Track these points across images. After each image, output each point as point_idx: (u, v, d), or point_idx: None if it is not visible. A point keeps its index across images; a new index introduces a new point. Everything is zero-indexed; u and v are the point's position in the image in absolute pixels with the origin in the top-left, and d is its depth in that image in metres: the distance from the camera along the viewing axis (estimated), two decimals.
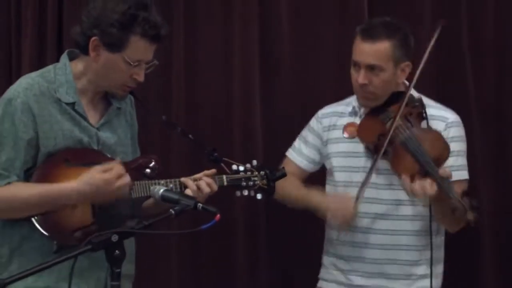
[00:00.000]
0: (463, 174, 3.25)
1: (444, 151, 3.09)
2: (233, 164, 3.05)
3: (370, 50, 3.15)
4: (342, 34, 3.92)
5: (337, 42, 3.96)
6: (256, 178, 3.04)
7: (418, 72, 3.18)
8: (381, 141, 3.15)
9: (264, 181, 3.04)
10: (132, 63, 2.83)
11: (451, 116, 3.27)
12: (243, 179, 3.03)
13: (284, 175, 3.11)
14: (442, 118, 3.24)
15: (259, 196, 3.05)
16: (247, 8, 4.04)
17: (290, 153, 3.48)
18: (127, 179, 2.80)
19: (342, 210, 3.19)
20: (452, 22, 3.76)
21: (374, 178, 3.19)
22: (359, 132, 3.27)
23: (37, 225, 2.80)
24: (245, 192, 3.05)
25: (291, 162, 3.45)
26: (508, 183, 4.00)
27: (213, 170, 3.01)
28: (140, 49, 2.83)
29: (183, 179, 2.95)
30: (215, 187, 2.96)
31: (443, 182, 2.97)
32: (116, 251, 2.41)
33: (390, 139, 3.11)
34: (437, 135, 3.14)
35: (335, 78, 3.90)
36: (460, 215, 2.93)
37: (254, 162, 3.08)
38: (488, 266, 3.95)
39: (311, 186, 3.40)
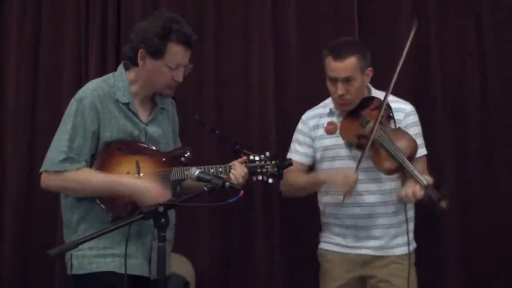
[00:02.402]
0: (423, 151, 3.62)
1: (414, 148, 3.47)
2: (250, 154, 3.38)
3: (343, 66, 3.53)
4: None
5: None
6: (268, 166, 3.37)
7: (395, 76, 3.50)
8: (361, 141, 3.53)
9: (275, 169, 3.38)
10: (172, 67, 3.18)
11: (407, 107, 3.66)
12: (258, 167, 3.36)
13: (290, 164, 3.43)
14: (401, 110, 3.63)
15: (270, 180, 3.39)
16: (262, 21, 4.43)
17: (290, 155, 3.77)
18: (165, 197, 3.04)
19: (346, 178, 3.50)
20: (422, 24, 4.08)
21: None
22: (341, 131, 3.61)
23: (97, 201, 3.16)
24: (259, 177, 3.38)
25: (292, 161, 3.64)
26: (469, 168, 4.26)
27: (244, 158, 3.35)
28: (176, 54, 3.18)
29: (235, 164, 3.29)
30: (247, 172, 3.31)
31: (417, 178, 3.34)
32: (162, 219, 2.74)
33: (371, 141, 3.46)
34: (407, 136, 3.51)
35: None
36: (432, 203, 3.30)
37: (267, 153, 3.41)
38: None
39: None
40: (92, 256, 3.16)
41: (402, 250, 3.64)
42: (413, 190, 3.37)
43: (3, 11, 4.74)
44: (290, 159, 3.49)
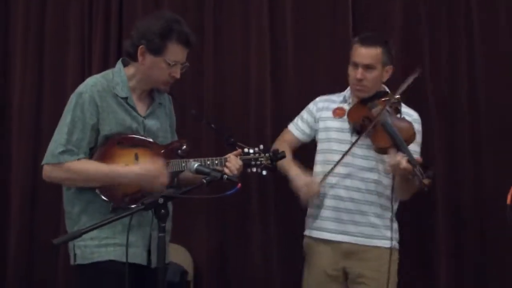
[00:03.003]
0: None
1: (412, 136, 3.61)
2: (244, 147, 3.44)
3: (367, 53, 3.69)
4: (332, 44, 4.40)
5: (329, 49, 4.41)
6: (262, 159, 3.44)
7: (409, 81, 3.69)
8: (365, 122, 3.64)
9: (269, 161, 3.45)
10: (170, 64, 3.26)
11: (414, 114, 3.79)
12: (252, 159, 3.43)
13: (283, 156, 3.49)
14: (409, 115, 3.75)
15: (264, 172, 3.46)
16: (260, 22, 4.51)
17: (290, 126, 3.94)
18: (165, 178, 3.21)
19: (308, 189, 3.66)
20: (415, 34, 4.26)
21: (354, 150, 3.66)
22: (349, 114, 3.74)
23: (98, 192, 3.23)
24: (254, 169, 3.44)
25: (289, 131, 3.92)
26: (457, 164, 4.36)
27: (239, 151, 3.41)
28: (176, 52, 3.26)
29: (230, 157, 3.35)
30: (242, 164, 3.39)
31: (411, 156, 3.46)
32: (162, 210, 2.80)
33: (373, 122, 3.59)
34: (409, 124, 3.65)
35: (327, 76, 4.34)
36: (417, 181, 3.39)
37: (261, 146, 3.47)
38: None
39: (297, 162, 3.79)
40: (93, 246, 3.23)
41: (383, 243, 3.70)
42: (399, 159, 3.46)
43: (9, 10, 4.80)
44: (284, 151, 3.54)
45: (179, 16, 3.33)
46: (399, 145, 3.53)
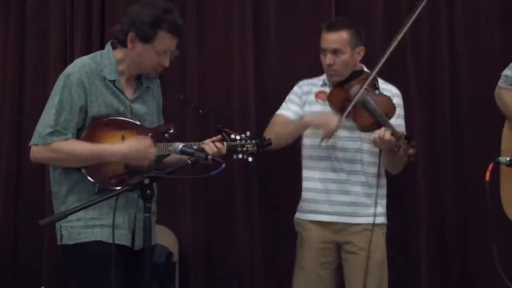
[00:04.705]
0: (403, 131, 3.72)
1: (392, 109, 3.65)
2: (231, 133, 3.45)
3: (333, 38, 3.72)
4: (314, 28, 4.19)
5: (311, 33, 4.32)
6: (249, 145, 3.46)
7: (388, 52, 3.67)
8: (345, 104, 3.66)
9: (255, 148, 3.46)
10: (159, 52, 3.26)
11: (394, 89, 3.84)
12: (239, 146, 3.44)
13: (270, 143, 3.51)
14: (388, 90, 3.80)
15: (250, 159, 3.48)
16: (243, 9, 4.53)
17: (279, 111, 3.89)
18: (154, 150, 3.23)
19: (327, 121, 3.66)
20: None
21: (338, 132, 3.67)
22: (329, 99, 3.75)
23: (84, 172, 3.21)
24: (240, 156, 3.46)
25: (281, 115, 3.86)
26: (437, 141, 4.42)
27: (219, 137, 3.41)
28: (165, 41, 3.25)
29: (205, 142, 3.34)
30: (224, 150, 3.38)
31: (393, 129, 3.52)
32: (148, 190, 2.83)
33: (354, 102, 3.62)
34: (387, 98, 3.69)
35: (309, 65, 4.26)
36: (403, 152, 3.47)
37: (248, 133, 3.50)
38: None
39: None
40: (80, 227, 3.23)
41: (371, 220, 3.76)
42: (383, 132, 3.52)
43: None
44: (270, 138, 3.57)
45: (171, 4, 3.31)
46: (381, 120, 3.58)
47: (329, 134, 3.67)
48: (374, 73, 3.69)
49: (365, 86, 3.66)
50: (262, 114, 4.33)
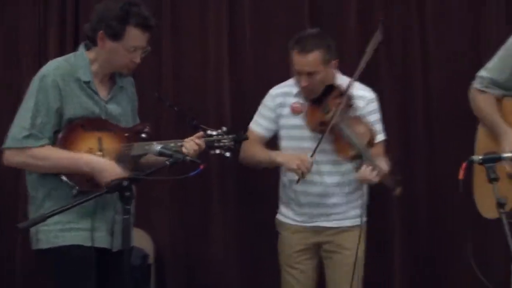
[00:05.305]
0: (381, 136, 3.77)
1: (372, 136, 3.61)
2: (207, 129, 3.41)
3: (306, 61, 3.63)
4: (288, 27, 4.37)
5: (284, 33, 4.31)
6: (225, 140, 3.39)
7: (357, 73, 3.66)
8: (322, 127, 3.63)
9: (232, 143, 3.40)
10: (130, 50, 3.21)
11: (369, 94, 3.79)
12: (215, 141, 3.38)
13: (246, 138, 3.49)
14: (363, 97, 3.75)
15: (227, 154, 3.41)
16: (219, 5, 4.53)
17: (252, 126, 3.87)
18: (112, 176, 3.05)
19: (301, 163, 3.59)
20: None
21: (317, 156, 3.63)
22: (306, 120, 3.71)
23: (64, 177, 3.18)
24: (217, 151, 3.39)
25: (253, 131, 3.83)
26: (411, 136, 4.48)
27: (201, 133, 3.36)
28: (135, 37, 3.20)
29: (186, 140, 3.31)
30: (204, 146, 3.34)
31: (376, 165, 3.47)
32: (127, 192, 2.79)
33: (330, 127, 3.59)
34: (365, 126, 3.63)
35: (283, 62, 4.15)
36: (388, 188, 3.49)
37: (224, 128, 3.43)
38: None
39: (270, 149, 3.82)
40: (57, 230, 3.19)
41: (354, 222, 3.79)
42: (368, 175, 3.50)
43: None
44: (246, 133, 3.56)
45: None
46: (364, 155, 3.54)
47: (304, 177, 3.65)
48: (347, 90, 3.66)
49: (338, 109, 3.61)
50: (237, 111, 4.37)
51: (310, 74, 3.66)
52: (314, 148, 3.64)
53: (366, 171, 3.50)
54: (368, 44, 3.72)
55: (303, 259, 3.86)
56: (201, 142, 3.35)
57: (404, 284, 4.45)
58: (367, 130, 3.64)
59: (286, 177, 3.85)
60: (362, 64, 3.68)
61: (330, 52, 3.70)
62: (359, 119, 3.68)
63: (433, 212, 4.46)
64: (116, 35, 3.20)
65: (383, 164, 3.59)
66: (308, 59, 3.64)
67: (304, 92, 3.74)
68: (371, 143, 3.61)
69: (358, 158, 3.57)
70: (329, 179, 3.77)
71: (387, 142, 3.87)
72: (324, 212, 3.80)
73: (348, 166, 3.72)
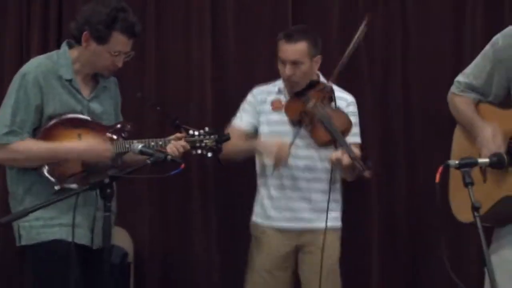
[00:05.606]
0: (357, 139, 3.83)
1: (348, 125, 3.67)
2: (190, 129, 3.44)
3: (292, 49, 3.70)
4: (272, 31, 4.31)
5: (268, 33, 4.42)
6: (207, 141, 3.43)
7: (338, 67, 3.70)
8: (303, 117, 3.67)
9: (214, 143, 3.45)
10: (113, 53, 3.24)
11: (349, 97, 3.88)
12: (197, 141, 3.42)
13: (228, 138, 3.50)
14: (344, 99, 3.83)
15: (209, 154, 3.46)
16: (202, 9, 4.51)
17: (234, 122, 3.89)
18: (111, 147, 3.25)
19: (280, 151, 3.65)
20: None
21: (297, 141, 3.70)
22: (286, 109, 3.74)
23: (45, 173, 3.20)
24: (199, 151, 3.43)
25: (235, 127, 3.85)
26: (390, 138, 4.50)
27: (184, 134, 3.40)
28: (120, 42, 3.23)
29: (171, 141, 3.34)
30: (188, 147, 3.38)
31: (350, 149, 3.51)
32: (108, 190, 2.82)
33: (310, 116, 3.65)
34: (344, 115, 3.70)
35: (266, 62, 4.32)
36: (358, 172, 3.48)
37: (206, 128, 3.47)
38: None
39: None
40: (39, 226, 3.22)
41: (330, 225, 3.78)
42: (340, 155, 3.52)
43: None
44: (228, 133, 3.58)
45: (125, 4, 3.29)
46: (338, 139, 3.59)
47: (280, 164, 3.70)
48: (328, 84, 3.72)
49: (320, 100, 3.67)
50: (219, 111, 4.37)
51: (295, 63, 3.72)
52: (292, 139, 3.70)
53: (339, 153, 3.53)
54: (354, 37, 3.77)
55: (282, 265, 3.87)
56: (185, 143, 3.39)
57: (383, 285, 4.47)
58: (344, 119, 3.69)
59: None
60: (347, 54, 3.73)
61: (316, 46, 3.77)
62: (338, 110, 3.74)
63: (412, 213, 4.49)
64: (101, 39, 3.22)
65: (356, 150, 3.63)
66: (296, 47, 3.71)
67: (288, 83, 3.79)
68: (345, 131, 3.66)
69: (331, 144, 3.63)
70: (305, 162, 3.82)
71: (364, 145, 3.91)
72: (300, 207, 3.84)
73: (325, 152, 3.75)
